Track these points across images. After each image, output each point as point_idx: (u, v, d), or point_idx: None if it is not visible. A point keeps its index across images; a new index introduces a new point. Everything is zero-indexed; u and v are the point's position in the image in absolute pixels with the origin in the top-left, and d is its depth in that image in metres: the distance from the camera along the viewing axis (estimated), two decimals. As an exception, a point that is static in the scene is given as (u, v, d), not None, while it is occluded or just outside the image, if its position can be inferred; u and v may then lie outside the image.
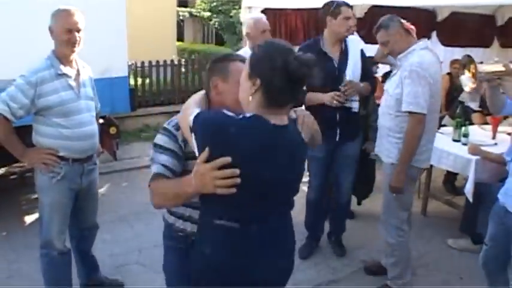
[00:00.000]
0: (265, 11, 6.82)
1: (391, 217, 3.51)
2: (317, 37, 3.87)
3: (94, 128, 3.17)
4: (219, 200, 1.69)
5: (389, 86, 3.40)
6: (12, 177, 5.85)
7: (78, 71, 3.09)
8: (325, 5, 3.76)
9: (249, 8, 6.90)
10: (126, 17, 4.65)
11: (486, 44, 8.28)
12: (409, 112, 3.19)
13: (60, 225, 3.14)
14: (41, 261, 3.22)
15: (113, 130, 4.65)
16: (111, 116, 4.85)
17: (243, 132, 1.68)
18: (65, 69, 2.98)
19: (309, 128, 1.97)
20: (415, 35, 3.36)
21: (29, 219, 4.84)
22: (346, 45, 3.79)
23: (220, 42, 16.69)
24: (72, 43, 2.92)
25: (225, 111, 1.73)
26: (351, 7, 3.76)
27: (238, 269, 1.80)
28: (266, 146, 1.72)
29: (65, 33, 2.89)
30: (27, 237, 4.35)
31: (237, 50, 9.55)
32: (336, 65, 3.73)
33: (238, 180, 1.63)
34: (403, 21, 3.34)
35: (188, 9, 17.89)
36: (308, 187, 4.15)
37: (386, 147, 3.41)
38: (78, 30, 2.93)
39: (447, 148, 4.50)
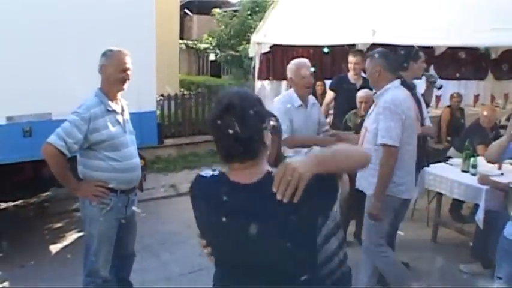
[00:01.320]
0: (273, 47, 7.16)
1: (372, 243, 3.75)
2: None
3: (138, 160, 3.40)
4: None
5: (368, 122, 3.70)
6: (32, 207, 5.98)
7: (122, 107, 3.33)
8: (406, 49, 4.24)
9: (258, 43, 7.18)
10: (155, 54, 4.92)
11: (481, 77, 8.67)
12: (383, 145, 3.46)
13: (107, 255, 3.29)
14: None
15: (141, 162, 4.83)
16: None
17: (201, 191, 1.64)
18: (112, 105, 3.22)
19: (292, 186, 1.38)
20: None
21: (54, 248, 4.96)
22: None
23: (215, 74, 17.03)
24: (124, 81, 3.18)
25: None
26: None
27: None
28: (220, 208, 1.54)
29: (119, 72, 3.16)
30: (54, 268, 4.48)
31: (245, 82, 9.87)
32: None
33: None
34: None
35: (184, 41, 18.24)
36: None
37: (367, 180, 3.61)
38: (129, 69, 3.20)
39: (457, 178, 4.74)
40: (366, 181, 3.65)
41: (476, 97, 8.65)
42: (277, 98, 4.45)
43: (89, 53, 4.28)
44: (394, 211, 3.72)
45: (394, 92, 3.56)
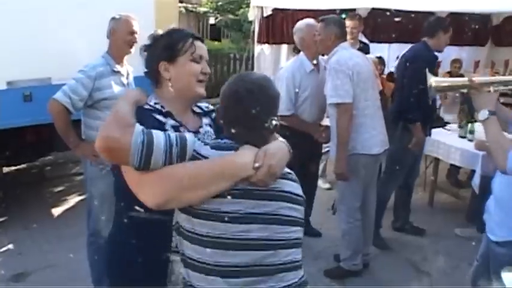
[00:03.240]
0: (273, 11, 7.10)
1: (343, 205, 3.81)
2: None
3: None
4: None
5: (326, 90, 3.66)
6: (33, 171, 6.05)
7: (127, 71, 3.44)
8: (439, 18, 4.25)
9: (258, 7, 7.12)
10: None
11: (481, 43, 8.60)
12: (335, 104, 3.50)
13: (108, 215, 3.34)
14: (88, 248, 3.43)
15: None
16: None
17: None
18: (118, 67, 3.34)
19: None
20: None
21: (56, 211, 5.05)
22: None
23: (215, 38, 16.83)
24: (132, 44, 3.30)
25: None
26: None
27: None
28: None
29: (127, 35, 3.29)
30: (59, 229, 4.58)
31: (245, 46, 9.78)
32: None
33: None
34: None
35: (184, 4, 17.95)
36: None
37: (334, 142, 3.63)
38: (137, 33, 3.32)
39: (455, 144, 4.79)
40: (334, 144, 3.64)
41: (477, 63, 8.60)
42: (286, 65, 4.42)
43: (89, 17, 4.34)
44: (363, 168, 3.67)
45: (340, 53, 3.57)
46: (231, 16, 11.37)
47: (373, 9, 6.83)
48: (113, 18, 3.34)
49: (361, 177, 3.68)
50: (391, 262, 4.24)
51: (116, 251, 1.89)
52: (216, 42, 14.79)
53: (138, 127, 1.52)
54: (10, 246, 4.34)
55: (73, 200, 5.30)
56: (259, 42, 7.27)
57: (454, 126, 5.29)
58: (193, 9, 16.94)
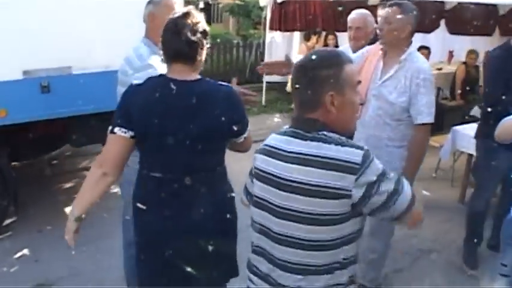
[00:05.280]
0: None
1: None
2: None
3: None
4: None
5: (386, 89, 2.99)
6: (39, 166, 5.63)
7: None
8: None
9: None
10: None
11: (489, 33, 8.53)
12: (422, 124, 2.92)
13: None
14: (126, 262, 3.11)
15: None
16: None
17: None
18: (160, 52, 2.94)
19: None
20: None
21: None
22: None
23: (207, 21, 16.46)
24: None
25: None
26: None
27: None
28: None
29: None
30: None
31: (254, 34, 9.45)
32: None
33: None
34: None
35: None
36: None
37: (393, 165, 2.86)
38: None
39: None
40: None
41: (487, 53, 8.51)
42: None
43: (109, 5, 3.96)
44: None
45: (419, 56, 2.99)
46: (238, 2, 10.90)
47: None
48: (151, 2, 2.91)
49: None
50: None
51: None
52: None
53: None
54: (25, 251, 3.99)
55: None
56: (271, 29, 6.97)
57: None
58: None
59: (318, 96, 1.56)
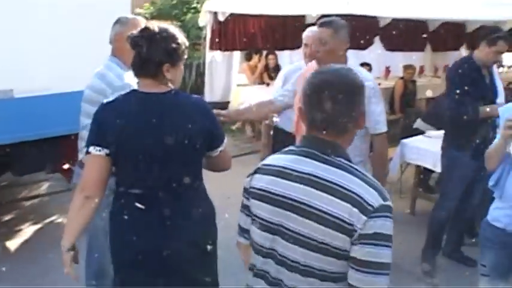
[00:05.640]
0: (230, 16, 6.77)
1: None
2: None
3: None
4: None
5: None
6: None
7: None
8: (483, 28, 3.88)
9: (211, 12, 6.74)
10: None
11: (420, 49, 8.89)
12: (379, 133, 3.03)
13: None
14: None
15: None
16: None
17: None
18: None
19: None
20: None
21: (12, 245, 4.33)
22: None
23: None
24: None
25: None
26: None
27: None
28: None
29: None
30: (20, 267, 3.79)
31: (193, 53, 9.27)
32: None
33: None
34: None
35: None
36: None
37: None
38: None
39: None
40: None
41: (421, 68, 8.87)
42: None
43: (53, 28, 3.78)
44: None
45: (365, 71, 3.19)
46: (175, 22, 10.73)
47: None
48: (118, 21, 2.85)
49: None
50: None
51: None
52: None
53: None
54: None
55: (29, 229, 4.58)
56: (211, 49, 6.91)
57: (435, 133, 5.20)
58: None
59: (352, 121, 1.52)
